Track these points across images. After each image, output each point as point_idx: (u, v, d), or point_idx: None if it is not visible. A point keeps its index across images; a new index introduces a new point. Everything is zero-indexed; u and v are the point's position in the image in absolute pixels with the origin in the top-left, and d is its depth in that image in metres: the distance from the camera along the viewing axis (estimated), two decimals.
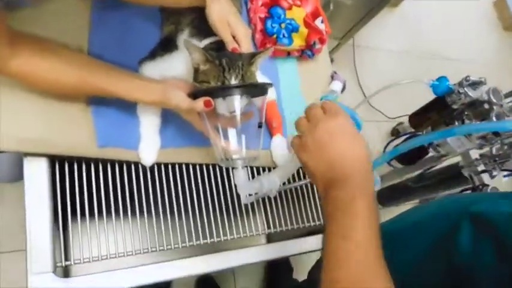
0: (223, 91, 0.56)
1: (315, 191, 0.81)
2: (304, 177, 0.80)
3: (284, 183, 0.75)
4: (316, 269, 0.95)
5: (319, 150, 0.47)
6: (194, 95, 0.57)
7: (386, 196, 1.80)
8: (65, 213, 0.60)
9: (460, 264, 0.51)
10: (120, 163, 0.65)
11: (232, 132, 0.60)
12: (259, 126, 0.62)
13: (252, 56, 0.60)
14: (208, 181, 0.71)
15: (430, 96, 1.28)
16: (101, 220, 0.61)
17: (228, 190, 0.72)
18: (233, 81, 0.57)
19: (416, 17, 2.59)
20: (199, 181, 0.70)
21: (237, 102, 0.56)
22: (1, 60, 0.49)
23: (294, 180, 0.78)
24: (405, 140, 1.46)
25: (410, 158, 1.34)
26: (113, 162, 0.64)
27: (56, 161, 0.60)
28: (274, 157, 0.76)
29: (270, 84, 0.59)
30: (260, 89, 0.60)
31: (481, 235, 0.51)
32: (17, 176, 0.59)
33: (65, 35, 0.63)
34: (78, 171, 0.62)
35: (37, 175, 0.58)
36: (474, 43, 2.77)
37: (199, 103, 0.55)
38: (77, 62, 0.57)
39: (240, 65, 0.58)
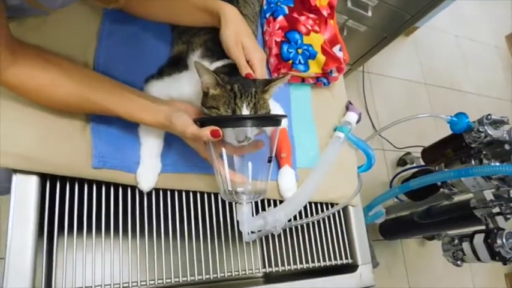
0: (233, 122, 0.52)
1: (321, 229, 0.75)
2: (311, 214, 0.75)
3: (289, 220, 0.70)
4: None
5: None
6: (201, 122, 0.53)
7: (390, 229, 1.74)
8: (50, 236, 0.54)
9: None
10: (116, 185, 0.60)
11: (238, 163, 0.56)
12: (269, 160, 0.57)
13: (267, 84, 0.56)
14: (209, 211, 0.66)
15: (440, 128, 1.24)
16: (89, 246, 0.56)
17: (229, 222, 0.67)
18: (245, 110, 0.53)
19: (428, 47, 2.59)
20: (199, 210, 0.65)
21: (248, 132, 0.52)
22: (2, 68, 0.46)
23: (301, 217, 0.72)
24: (415, 174, 1.41)
25: (420, 193, 1.29)
26: (108, 184, 0.60)
27: (48, 179, 0.56)
28: (281, 190, 0.70)
29: (284, 116, 0.55)
30: (273, 120, 0.55)
31: None
32: (8, 189, 0.54)
33: (72, 46, 0.60)
34: (70, 191, 0.57)
35: (25, 193, 0.53)
36: (485, 76, 2.75)
37: (206, 132, 0.51)
38: (79, 77, 0.53)
39: (253, 92, 0.54)
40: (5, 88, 0.50)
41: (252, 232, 0.57)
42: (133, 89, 0.57)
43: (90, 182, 0.58)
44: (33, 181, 0.53)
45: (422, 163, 1.94)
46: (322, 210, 0.76)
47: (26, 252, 0.51)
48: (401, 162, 2.11)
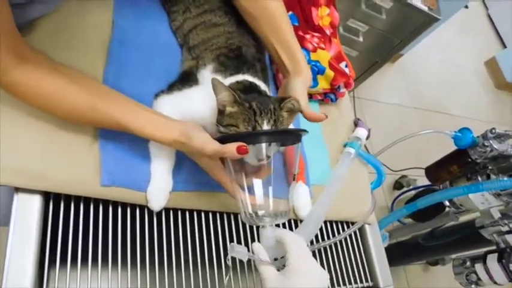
0: (257, 137, 0.49)
1: (339, 250, 0.71)
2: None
3: (312, 243, 0.67)
4: None
5: None
6: (221, 140, 0.50)
7: (394, 254, 1.68)
8: (52, 262, 0.49)
9: None
10: (124, 205, 0.56)
11: (258, 184, 0.52)
12: (294, 178, 0.55)
13: (282, 101, 0.55)
14: (222, 233, 0.62)
15: (435, 151, 1.23)
16: (95, 272, 0.50)
17: (243, 244, 0.63)
18: (265, 126, 0.51)
19: (413, 73, 2.69)
20: (211, 232, 0.61)
21: (270, 149, 0.50)
22: (4, 66, 0.43)
23: (317, 241, 0.69)
24: (419, 194, 1.39)
25: (426, 214, 1.26)
26: (115, 203, 0.55)
27: (51, 199, 0.51)
28: (296, 208, 0.67)
29: (305, 131, 0.53)
30: (295, 136, 0.53)
31: None
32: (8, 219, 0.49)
33: (81, 60, 0.58)
34: (74, 212, 0.52)
35: (27, 214, 0.48)
36: (471, 100, 2.85)
37: (231, 148, 0.47)
38: (90, 86, 0.50)
39: (272, 108, 0.52)
40: (10, 97, 0.47)
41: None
42: (145, 106, 0.55)
43: (96, 204, 0.54)
44: (36, 201, 0.48)
45: (419, 185, 1.95)
46: (338, 230, 0.72)
47: (26, 283, 0.45)
48: (398, 185, 2.10)
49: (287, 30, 0.65)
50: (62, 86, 0.47)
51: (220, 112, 0.54)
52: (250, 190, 0.52)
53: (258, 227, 0.52)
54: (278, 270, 0.47)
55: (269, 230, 0.50)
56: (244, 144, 0.47)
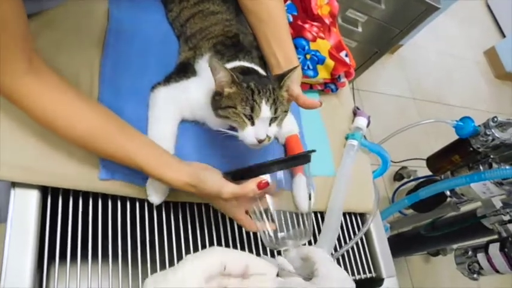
0: (267, 168, 0.48)
1: (341, 242, 0.70)
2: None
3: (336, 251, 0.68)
4: None
5: None
6: (233, 176, 0.49)
7: (395, 245, 1.68)
8: (51, 259, 0.48)
9: None
10: (123, 199, 0.55)
11: (273, 210, 0.52)
12: (309, 198, 0.54)
13: (281, 79, 0.54)
14: (223, 226, 0.61)
15: (433, 142, 1.23)
16: (95, 268, 0.50)
17: (245, 237, 0.62)
18: (264, 105, 0.51)
19: (412, 64, 2.67)
20: (213, 226, 0.60)
21: (268, 132, 0.50)
22: (14, 72, 0.39)
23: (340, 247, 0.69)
24: (421, 184, 1.38)
25: (427, 204, 1.26)
26: (114, 198, 0.54)
27: (49, 193, 0.50)
28: (297, 201, 0.66)
29: (313, 151, 0.52)
30: (304, 158, 0.53)
31: None
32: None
33: (77, 55, 0.57)
34: (73, 207, 0.51)
35: (25, 210, 0.47)
36: (470, 90, 2.83)
37: (252, 186, 0.45)
38: (101, 112, 0.47)
39: (271, 88, 0.52)
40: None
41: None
42: (154, 142, 0.52)
43: (95, 198, 0.53)
44: (34, 196, 0.47)
45: (419, 176, 1.94)
46: (341, 222, 0.72)
47: (24, 279, 0.44)
48: (398, 176, 2.09)
49: (284, 29, 0.65)
50: (78, 108, 0.44)
51: (219, 94, 0.53)
52: (267, 216, 0.52)
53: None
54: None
55: (293, 252, 0.50)
56: (264, 179, 0.46)
